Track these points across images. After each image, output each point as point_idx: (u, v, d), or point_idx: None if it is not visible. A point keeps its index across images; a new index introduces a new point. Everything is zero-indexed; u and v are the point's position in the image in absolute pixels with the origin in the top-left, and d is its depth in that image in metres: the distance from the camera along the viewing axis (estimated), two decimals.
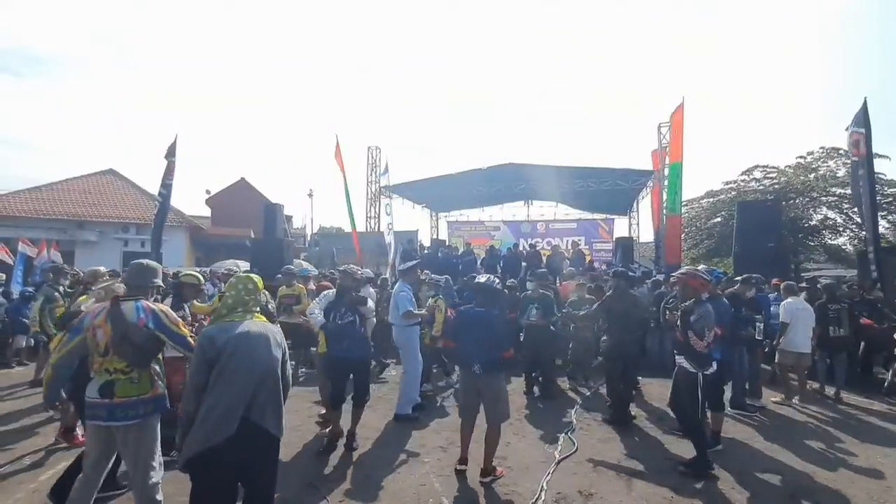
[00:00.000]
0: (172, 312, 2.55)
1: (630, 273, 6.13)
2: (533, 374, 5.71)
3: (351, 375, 3.99)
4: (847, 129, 8.24)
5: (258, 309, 2.26)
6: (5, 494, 3.11)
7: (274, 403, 2.07)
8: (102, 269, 4.55)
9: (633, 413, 4.77)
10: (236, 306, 2.16)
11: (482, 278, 3.84)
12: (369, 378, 4.23)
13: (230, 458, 1.92)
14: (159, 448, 2.48)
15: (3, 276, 7.25)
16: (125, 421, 2.33)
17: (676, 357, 3.73)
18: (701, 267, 4.63)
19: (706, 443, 3.61)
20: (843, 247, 17.81)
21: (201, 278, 4.34)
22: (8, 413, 4.85)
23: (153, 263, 2.73)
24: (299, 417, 4.69)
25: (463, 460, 3.55)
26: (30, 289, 8.06)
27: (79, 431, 4.03)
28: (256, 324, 2.15)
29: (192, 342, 2.40)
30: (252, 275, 2.32)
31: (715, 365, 3.50)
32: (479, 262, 11.16)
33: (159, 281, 2.70)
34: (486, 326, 3.47)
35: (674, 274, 4.67)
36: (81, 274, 6.45)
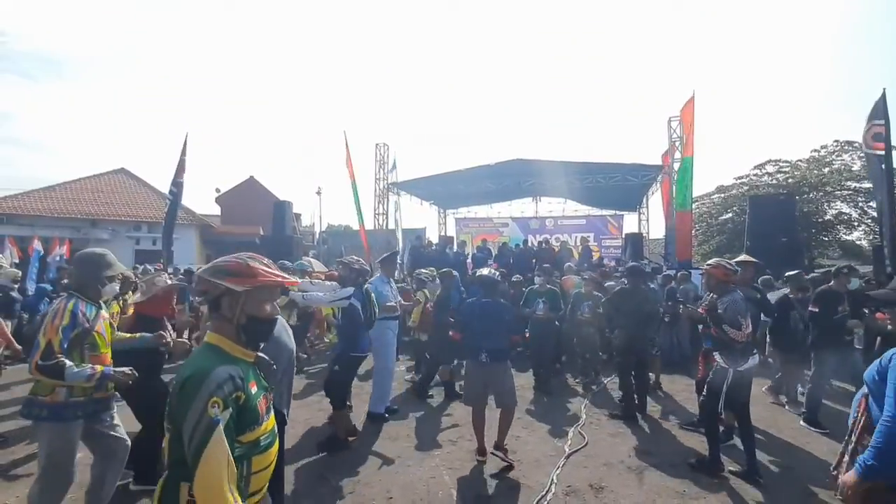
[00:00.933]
0: (56, 318, 2.26)
1: (645, 268, 6.07)
2: (541, 370, 5.71)
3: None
4: (868, 124, 8.04)
5: None
6: (24, 484, 3.17)
7: (289, 386, 2.09)
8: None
9: (647, 407, 4.75)
10: None
11: (483, 271, 4.00)
12: (339, 372, 3.86)
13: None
14: (50, 464, 2.30)
15: (20, 273, 7.37)
16: (26, 418, 2.32)
17: (713, 353, 3.54)
18: (741, 258, 4.33)
19: (719, 441, 3.50)
20: (858, 241, 17.51)
21: None
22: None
23: (95, 254, 2.52)
24: (309, 411, 4.72)
25: (481, 451, 3.59)
26: (46, 286, 8.22)
27: None
28: None
29: (36, 357, 2.17)
30: None
31: (752, 360, 3.31)
32: (492, 258, 11.18)
33: (111, 271, 2.49)
34: (491, 316, 3.61)
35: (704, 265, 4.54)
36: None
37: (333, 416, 4.00)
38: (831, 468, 1.90)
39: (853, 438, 1.75)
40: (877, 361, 1.73)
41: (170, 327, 3.20)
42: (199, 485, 1.09)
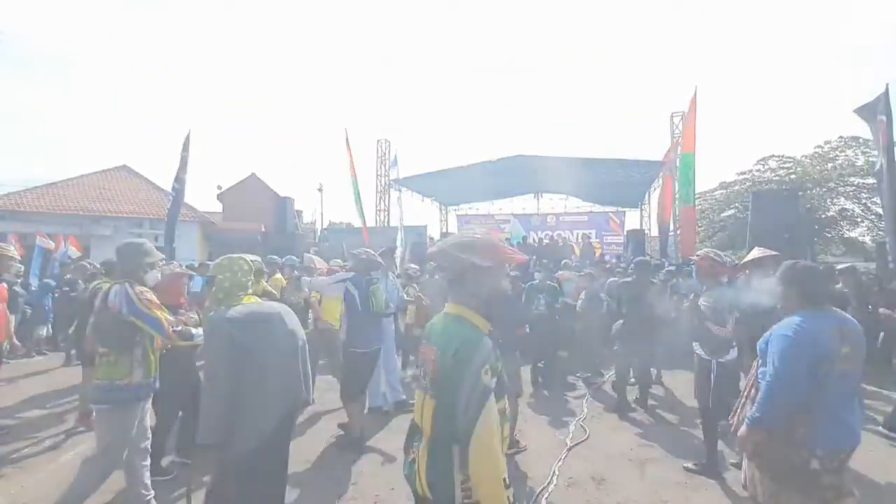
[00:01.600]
0: (148, 294, 2.43)
1: (651, 263, 6.08)
2: (540, 364, 5.72)
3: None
4: (875, 117, 7.99)
5: (252, 291, 2.17)
6: (28, 474, 3.20)
7: (309, 372, 2.09)
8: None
9: (648, 400, 4.75)
10: (234, 289, 2.07)
11: None
12: (345, 367, 3.91)
13: (282, 435, 1.93)
14: (114, 446, 2.38)
15: (23, 268, 7.39)
16: (97, 404, 2.40)
17: (693, 345, 3.57)
18: (756, 251, 4.11)
19: (717, 440, 3.40)
20: (861, 238, 17.45)
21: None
22: (30, 399, 4.98)
23: (135, 243, 2.60)
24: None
25: None
26: (50, 281, 8.25)
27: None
28: (274, 304, 2.14)
29: (166, 325, 2.38)
30: (243, 256, 2.22)
31: (733, 352, 3.32)
32: None
33: (151, 258, 2.58)
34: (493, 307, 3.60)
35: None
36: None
37: (346, 411, 3.94)
38: (728, 416, 2.20)
39: (745, 394, 2.09)
40: (768, 332, 1.99)
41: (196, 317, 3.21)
42: (476, 447, 1.15)
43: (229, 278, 2.08)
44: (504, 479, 1.18)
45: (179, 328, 2.46)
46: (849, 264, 5.18)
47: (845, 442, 1.86)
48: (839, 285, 4.98)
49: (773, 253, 4.07)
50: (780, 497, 1.89)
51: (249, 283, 2.16)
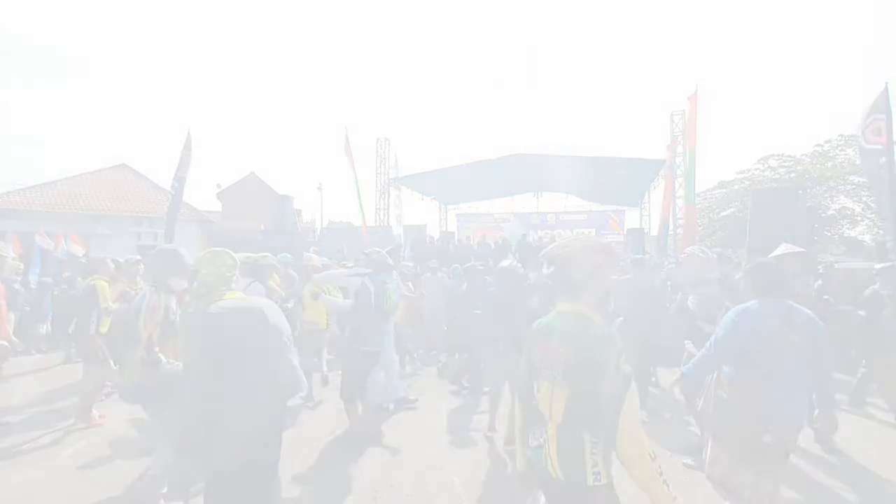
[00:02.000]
0: (155, 313, 2.44)
1: (649, 261, 6.05)
2: None
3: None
4: (868, 118, 7.98)
5: (235, 287, 2.13)
6: (28, 470, 3.20)
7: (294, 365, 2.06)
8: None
9: (647, 398, 4.75)
10: (217, 284, 2.02)
11: (505, 263, 4.03)
12: (348, 365, 3.92)
13: (272, 430, 1.90)
14: (166, 436, 2.40)
15: (22, 266, 7.39)
16: (137, 402, 2.49)
17: (685, 343, 3.57)
18: (782, 248, 3.88)
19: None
20: (860, 237, 17.45)
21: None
22: (30, 396, 4.98)
23: (167, 250, 2.64)
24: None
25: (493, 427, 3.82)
26: (48, 279, 8.24)
27: (95, 413, 4.13)
28: (256, 299, 2.09)
29: (141, 352, 2.37)
30: (227, 250, 2.18)
31: None
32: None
33: (177, 265, 2.57)
34: (508, 306, 3.66)
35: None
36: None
37: (346, 409, 3.91)
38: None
39: (713, 381, 2.43)
40: None
41: None
42: (622, 428, 1.27)
43: (212, 273, 2.04)
44: (649, 454, 1.29)
45: (154, 356, 2.38)
46: (889, 264, 4.78)
47: (796, 418, 2.11)
48: (876, 286, 4.61)
49: (799, 250, 3.94)
50: (732, 474, 2.12)
51: (233, 278, 2.10)
